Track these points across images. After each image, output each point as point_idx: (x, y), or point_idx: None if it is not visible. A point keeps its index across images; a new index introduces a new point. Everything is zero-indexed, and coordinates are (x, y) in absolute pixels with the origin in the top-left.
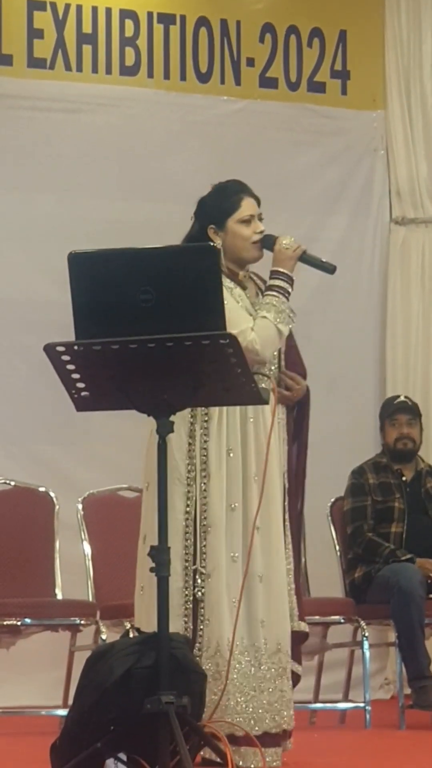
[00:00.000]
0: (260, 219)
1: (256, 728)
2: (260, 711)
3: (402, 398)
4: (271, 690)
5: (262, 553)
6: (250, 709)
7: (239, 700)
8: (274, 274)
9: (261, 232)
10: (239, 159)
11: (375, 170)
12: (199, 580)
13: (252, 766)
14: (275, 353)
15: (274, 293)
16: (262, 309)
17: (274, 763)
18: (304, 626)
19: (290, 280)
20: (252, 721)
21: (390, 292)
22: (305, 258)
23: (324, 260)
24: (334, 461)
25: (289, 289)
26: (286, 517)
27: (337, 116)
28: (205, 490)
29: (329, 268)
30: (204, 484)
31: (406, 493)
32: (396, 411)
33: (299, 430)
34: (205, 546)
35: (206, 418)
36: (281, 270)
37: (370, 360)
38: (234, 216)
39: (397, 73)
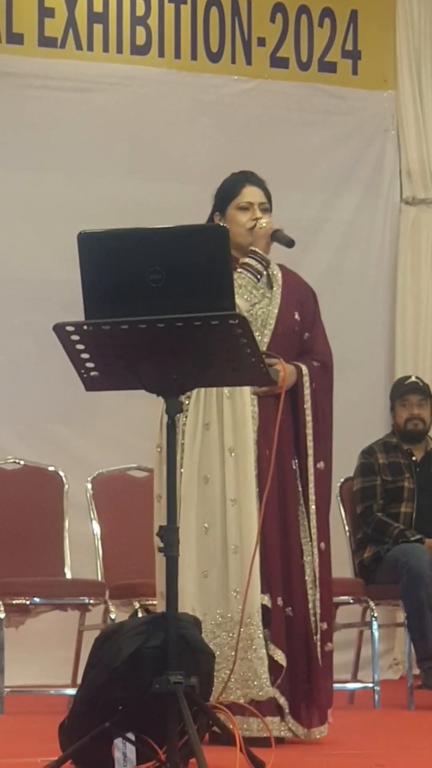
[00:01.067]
0: (264, 210)
1: (223, 696)
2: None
3: (413, 379)
4: (240, 660)
5: (237, 525)
6: (221, 678)
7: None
8: (248, 254)
9: (257, 219)
10: (250, 138)
11: (385, 150)
12: None
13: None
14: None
15: (240, 270)
16: None
17: (257, 733)
18: (263, 600)
19: (262, 258)
20: (223, 691)
21: (400, 272)
22: (275, 236)
23: (290, 238)
24: (343, 441)
25: (259, 267)
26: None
27: (348, 96)
28: (182, 465)
29: (289, 242)
30: (182, 458)
31: (415, 473)
32: (407, 392)
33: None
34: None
35: (188, 395)
36: (254, 249)
37: (380, 340)
38: (233, 202)
39: (408, 53)
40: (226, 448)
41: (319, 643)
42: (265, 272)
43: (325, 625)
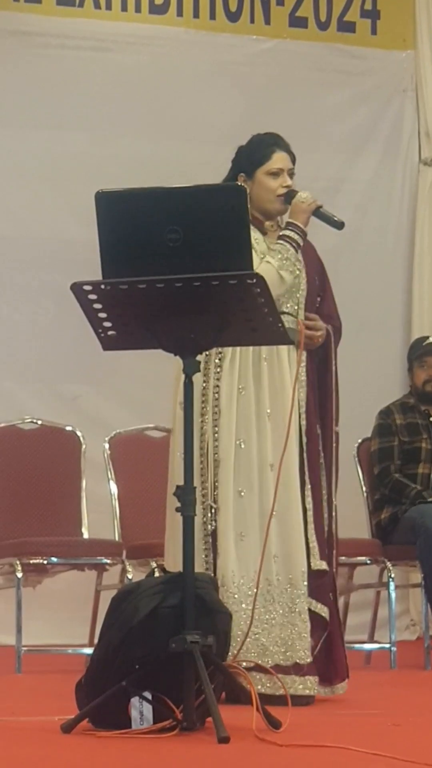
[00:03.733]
0: (291, 175)
1: (268, 661)
2: (271, 646)
3: (431, 339)
4: (282, 624)
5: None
6: (262, 643)
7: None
8: (287, 226)
9: (287, 186)
10: (268, 99)
11: (404, 111)
12: (209, 514)
13: (261, 690)
14: (292, 299)
15: (282, 242)
16: (267, 255)
17: (306, 691)
18: (322, 564)
19: (302, 232)
20: (263, 655)
21: (418, 233)
22: (318, 213)
23: (335, 217)
24: (361, 402)
25: (300, 241)
26: (305, 456)
27: (367, 56)
28: (216, 427)
29: (338, 224)
30: (215, 421)
31: None
32: (425, 353)
33: (324, 373)
34: (216, 482)
35: (220, 356)
36: (294, 222)
37: (398, 300)
38: (263, 167)
39: (427, 12)
40: (264, 412)
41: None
42: (303, 244)
43: (322, 563)
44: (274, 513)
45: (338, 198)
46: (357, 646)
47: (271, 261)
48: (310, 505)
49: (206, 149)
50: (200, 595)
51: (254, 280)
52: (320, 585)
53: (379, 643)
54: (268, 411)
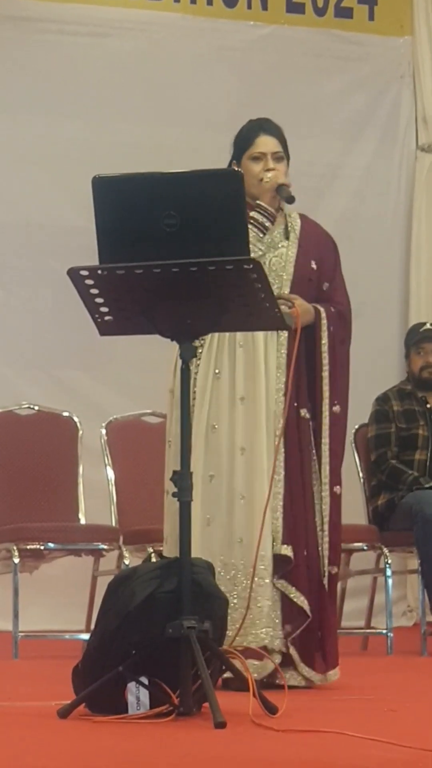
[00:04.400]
0: (278, 159)
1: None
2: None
3: (428, 326)
4: (248, 608)
5: (245, 474)
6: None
7: None
8: (255, 207)
9: (270, 170)
10: (266, 85)
11: (401, 97)
12: None
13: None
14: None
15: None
16: None
17: (255, 675)
18: (286, 550)
19: (267, 212)
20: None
21: (415, 219)
22: (279, 191)
23: (290, 194)
24: (358, 388)
25: (265, 221)
26: (280, 441)
27: (364, 42)
28: (193, 412)
29: (288, 199)
30: (193, 406)
31: (430, 421)
32: (422, 339)
33: (313, 353)
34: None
35: (201, 342)
36: (259, 202)
37: (395, 286)
38: (247, 152)
39: None
40: (237, 397)
41: (327, 588)
42: (270, 225)
43: (334, 569)
44: (242, 496)
45: (335, 184)
46: (354, 631)
47: None
48: (279, 489)
49: (203, 135)
50: (197, 580)
51: (251, 266)
52: (292, 572)
53: (376, 629)
54: (242, 396)
